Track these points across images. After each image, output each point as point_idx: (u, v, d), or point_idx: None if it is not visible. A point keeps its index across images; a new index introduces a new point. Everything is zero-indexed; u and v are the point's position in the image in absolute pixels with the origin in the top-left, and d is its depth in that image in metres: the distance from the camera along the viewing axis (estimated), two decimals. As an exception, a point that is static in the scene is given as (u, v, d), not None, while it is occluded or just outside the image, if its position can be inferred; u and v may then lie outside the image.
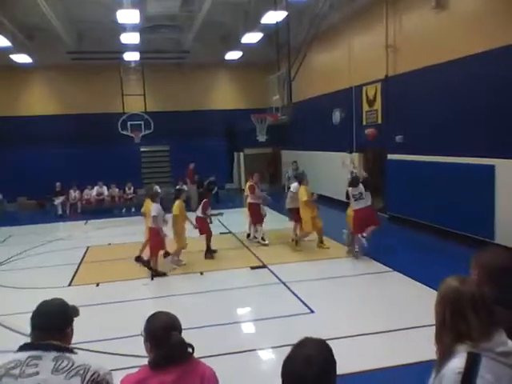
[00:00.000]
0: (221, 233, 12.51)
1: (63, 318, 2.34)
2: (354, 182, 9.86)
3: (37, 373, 2.09)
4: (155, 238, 9.16)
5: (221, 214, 11.04)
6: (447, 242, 10.51)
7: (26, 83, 21.15)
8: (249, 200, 11.70)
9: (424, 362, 5.21)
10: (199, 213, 10.36)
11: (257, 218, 11.52)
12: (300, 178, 10.98)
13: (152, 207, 9.20)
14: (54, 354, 2.17)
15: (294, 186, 11.25)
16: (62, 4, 14.96)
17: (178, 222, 9.70)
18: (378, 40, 13.30)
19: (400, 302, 7.36)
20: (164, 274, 9.12)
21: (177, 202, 9.82)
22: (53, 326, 2.27)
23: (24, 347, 2.22)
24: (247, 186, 11.86)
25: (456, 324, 1.95)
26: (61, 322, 2.32)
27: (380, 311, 6.98)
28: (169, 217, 9.73)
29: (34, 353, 2.16)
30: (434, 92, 11.25)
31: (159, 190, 11.95)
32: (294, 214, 10.99)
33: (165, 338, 2.34)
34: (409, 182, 12.20)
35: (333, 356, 1.85)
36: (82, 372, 2.14)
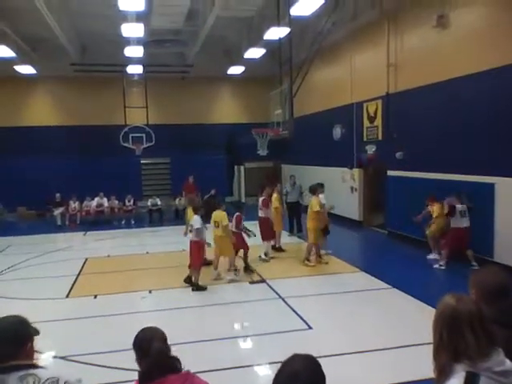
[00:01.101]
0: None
1: (21, 338, 2.21)
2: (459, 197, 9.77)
3: None
4: (199, 252, 9.03)
5: (252, 233, 10.48)
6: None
7: (29, 94, 21.30)
8: (260, 214, 11.59)
9: (423, 380, 5.20)
10: (233, 228, 9.93)
11: (267, 233, 11.34)
12: (314, 189, 10.87)
13: (194, 219, 9.05)
14: (17, 374, 2.08)
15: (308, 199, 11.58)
16: (67, 16, 15.12)
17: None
18: (379, 57, 13.43)
19: (399, 319, 7.32)
20: (205, 288, 8.95)
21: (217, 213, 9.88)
22: (13, 348, 2.15)
23: None
24: (261, 200, 11.65)
25: (453, 343, 1.95)
26: (19, 342, 2.19)
27: (379, 328, 6.93)
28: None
29: None
30: (435, 110, 11.33)
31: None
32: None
33: (147, 349, 2.37)
34: (408, 198, 12.21)
35: (321, 371, 1.84)
36: None
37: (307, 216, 10.75)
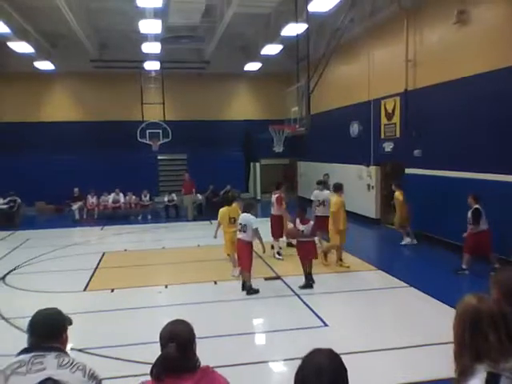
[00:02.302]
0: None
1: (60, 325, 2.51)
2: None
3: (44, 368, 2.26)
4: (251, 253, 8.60)
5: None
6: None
7: (48, 90, 21.58)
8: (273, 211, 11.43)
9: (439, 380, 5.16)
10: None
11: (277, 231, 11.15)
12: (338, 187, 10.31)
13: (249, 218, 8.52)
14: (54, 353, 2.36)
15: (316, 193, 11.37)
16: (86, 13, 15.27)
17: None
18: (398, 54, 13.29)
19: (415, 318, 7.26)
20: (257, 291, 8.45)
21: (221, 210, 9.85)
22: (51, 332, 2.44)
23: (25, 351, 2.38)
24: (275, 198, 11.42)
25: (475, 343, 1.92)
26: (57, 328, 2.48)
27: (395, 327, 6.89)
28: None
29: (36, 353, 2.33)
30: (454, 107, 11.18)
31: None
32: (320, 223, 10.29)
33: (163, 348, 2.36)
34: (427, 196, 12.08)
35: (343, 365, 1.84)
36: (81, 368, 2.36)
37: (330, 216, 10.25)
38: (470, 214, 9.24)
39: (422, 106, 12.43)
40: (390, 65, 13.86)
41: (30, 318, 2.49)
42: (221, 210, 10.00)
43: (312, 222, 8.84)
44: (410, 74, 12.91)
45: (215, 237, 9.91)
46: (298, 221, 8.80)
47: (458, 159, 11.03)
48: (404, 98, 13.19)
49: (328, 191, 11.44)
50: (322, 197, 11.37)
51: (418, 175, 12.65)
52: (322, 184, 11.80)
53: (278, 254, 11.05)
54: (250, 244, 8.51)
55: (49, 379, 2.22)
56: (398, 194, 11.99)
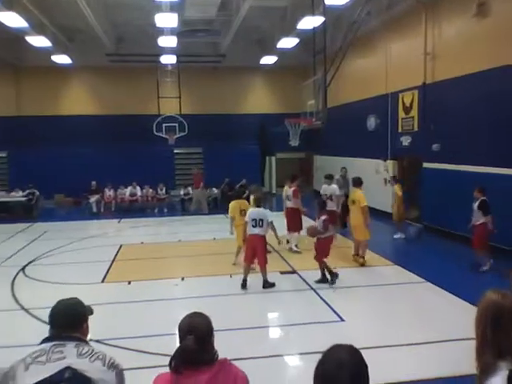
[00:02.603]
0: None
1: (81, 315, 2.52)
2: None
3: (64, 357, 2.26)
4: (265, 247, 8.61)
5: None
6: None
7: (65, 84, 21.80)
8: (289, 205, 11.31)
9: (457, 376, 5.12)
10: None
11: (295, 224, 11.04)
12: (357, 181, 10.20)
13: (265, 213, 8.53)
14: (74, 342, 2.36)
15: (324, 187, 11.41)
16: (103, 7, 15.34)
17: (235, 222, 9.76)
18: (416, 47, 13.12)
19: (432, 313, 7.20)
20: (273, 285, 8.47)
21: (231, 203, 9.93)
22: (72, 322, 2.44)
23: (46, 340, 2.38)
24: (291, 190, 11.31)
25: (497, 339, 1.90)
26: (78, 318, 2.49)
27: (411, 322, 6.85)
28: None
29: (57, 342, 2.34)
30: (474, 100, 11.00)
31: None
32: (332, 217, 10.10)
33: (181, 340, 2.37)
34: (445, 191, 11.94)
35: (364, 361, 1.83)
36: (101, 357, 2.35)
37: (352, 211, 10.19)
38: (476, 206, 9.17)
39: (440, 100, 12.26)
40: (408, 58, 13.69)
41: (50, 309, 2.50)
42: (231, 203, 10.03)
43: (324, 217, 8.54)
44: (429, 67, 12.74)
45: (232, 233, 9.94)
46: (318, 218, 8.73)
47: (477, 153, 10.87)
48: (422, 92, 13.02)
49: (335, 185, 11.56)
50: (329, 191, 11.36)
51: (436, 169, 12.50)
52: (330, 178, 11.77)
53: (296, 246, 11.04)
54: (265, 238, 8.49)
55: (67, 368, 2.22)
56: (397, 189, 12.20)
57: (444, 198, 11.96)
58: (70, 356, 2.27)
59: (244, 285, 8.37)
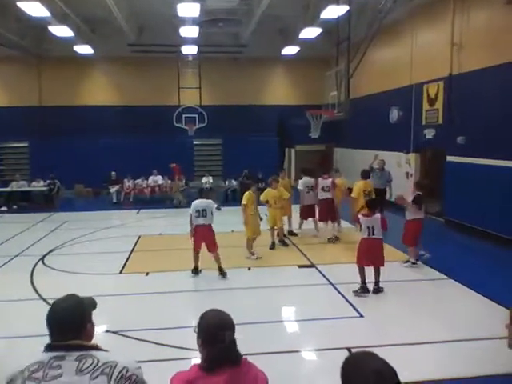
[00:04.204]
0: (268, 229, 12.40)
1: (80, 316, 2.22)
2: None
3: (60, 375, 2.03)
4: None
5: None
6: (509, 251, 9.94)
7: (87, 74, 21.89)
8: (325, 196, 11.42)
9: (481, 376, 4.95)
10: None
11: (334, 214, 11.48)
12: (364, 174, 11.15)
13: (209, 203, 9.01)
14: (76, 353, 2.09)
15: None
16: (125, -3, 15.28)
17: (246, 212, 9.89)
18: (442, 37, 12.75)
19: (454, 311, 6.99)
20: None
21: (246, 193, 10.05)
22: (70, 326, 2.17)
23: (47, 348, 2.15)
24: (330, 181, 11.44)
25: None
26: (78, 320, 2.20)
27: (432, 320, 6.64)
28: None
29: (56, 353, 2.09)
30: (502, 92, 10.65)
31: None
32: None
33: (218, 337, 2.26)
34: (469, 185, 11.63)
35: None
36: (107, 370, 2.06)
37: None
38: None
39: (467, 92, 11.91)
40: (434, 48, 13.34)
41: (46, 314, 2.23)
42: (245, 193, 10.16)
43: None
44: (455, 58, 12.37)
45: (261, 219, 10.30)
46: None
47: (504, 147, 10.54)
48: (448, 83, 12.66)
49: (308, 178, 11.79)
50: (310, 183, 11.75)
51: (460, 163, 12.18)
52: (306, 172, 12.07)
53: (336, 238, 11.29)
54: (210, 226, 8.83)
55: None
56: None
57: (468, 192, 11.65)
58: (67, 373, 2.02)
59: (195, 271, 8.72)
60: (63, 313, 2.19)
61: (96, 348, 2.18)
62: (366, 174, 11.20)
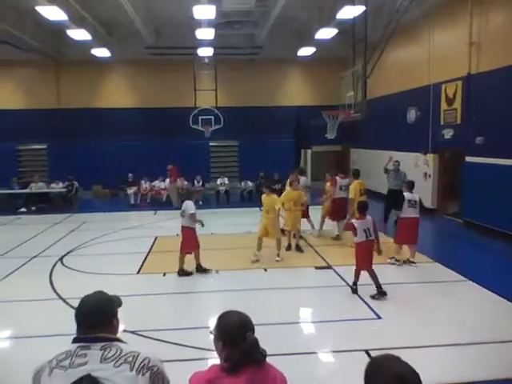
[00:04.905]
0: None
1: (107, 313, 2.33)
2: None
3: (85, 363, 2.12)
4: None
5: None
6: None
7: (104, 77, 22.12)
8: (342, 195, 11.49)
9: (499, 380, 4.87)
10: None
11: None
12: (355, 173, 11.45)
13: (187, 205, 9.21)
14: (101, 344, 2.20)
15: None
16: (142, 0, 15.39)
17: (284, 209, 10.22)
18: (460, 36, 12.61)
19: (473, 313, 6.90)
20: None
21: (272, 197, 10.13)
22: (98, 321, 2.27)
23: (74, 340, 2.25)
24: (348, 180, 11.59)
25: None
26: (105, 316, 2.31)
27: (451, 322, 6.56)
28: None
29: (82, 344, 2.20)
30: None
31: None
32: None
33: (240, 338, 2.25)
34: (488, 186, 11.47)
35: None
36: (130, 359, 2.15)
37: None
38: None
39: (485, 91, 11.75)
40: (452, 47, 13.18)
41: (76, 307, 2.35)
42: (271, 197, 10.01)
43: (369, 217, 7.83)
44: (474, 57, 12.22)
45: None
46: None
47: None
48: (466, 82, 12.51)
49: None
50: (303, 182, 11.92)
51: (479, 164, 12.01)
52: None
53: (338, 236, 11.51)
54: (188, 227, 9.14)
55: (87, 377, 2.07)
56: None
57: (487, 193, 11.49)
58: (92, 361, 2.13)
59: (181, 273, 8.82)
60: (92, 307, 2.30)
61: (119, 340, 2.28)
62: (357, 173, 11.43)
